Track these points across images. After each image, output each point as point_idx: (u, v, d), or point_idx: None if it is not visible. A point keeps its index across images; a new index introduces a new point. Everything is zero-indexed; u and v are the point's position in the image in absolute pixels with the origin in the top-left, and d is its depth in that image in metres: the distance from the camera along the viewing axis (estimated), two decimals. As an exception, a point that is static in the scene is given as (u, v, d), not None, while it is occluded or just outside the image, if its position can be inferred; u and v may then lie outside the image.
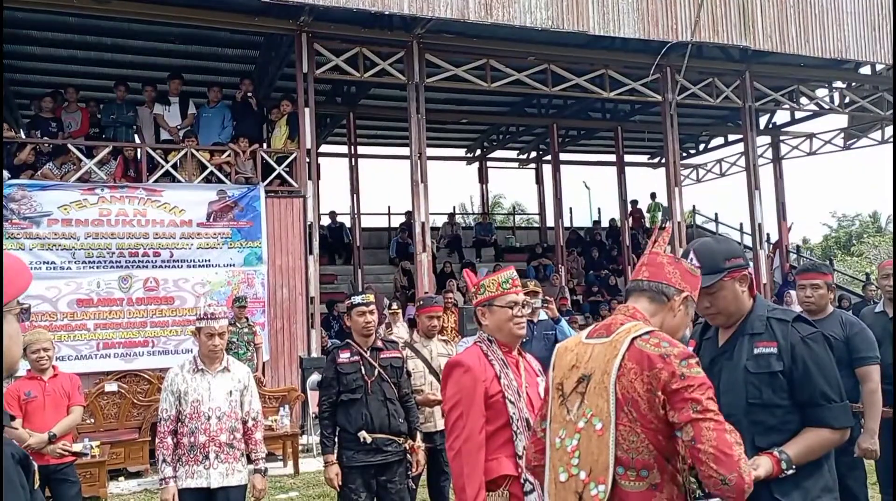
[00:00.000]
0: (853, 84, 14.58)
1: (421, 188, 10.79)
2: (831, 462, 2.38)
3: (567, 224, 18.62)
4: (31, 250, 8.68)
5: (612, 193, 17.44)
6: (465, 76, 11.34)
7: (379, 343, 4.48)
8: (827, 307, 4.35)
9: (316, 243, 10.17)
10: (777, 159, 17.91)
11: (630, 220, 17.56)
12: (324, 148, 16.21)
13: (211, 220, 9.52)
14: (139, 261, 9.17)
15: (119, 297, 9.04)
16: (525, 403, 2.72)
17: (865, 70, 14.43)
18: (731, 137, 18.63)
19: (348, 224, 16.16)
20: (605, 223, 20.08)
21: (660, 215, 18.78)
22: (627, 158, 18.12)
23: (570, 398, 2.14)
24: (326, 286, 13.41)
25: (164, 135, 10.53)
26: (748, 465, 1.91)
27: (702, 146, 20.35)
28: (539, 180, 19.83)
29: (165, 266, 9.27)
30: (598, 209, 22.30)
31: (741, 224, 19.88)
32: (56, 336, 7.77)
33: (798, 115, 16.63)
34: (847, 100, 14.38)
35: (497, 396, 2.69)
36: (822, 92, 14.66)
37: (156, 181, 9.59)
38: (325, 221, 15.74)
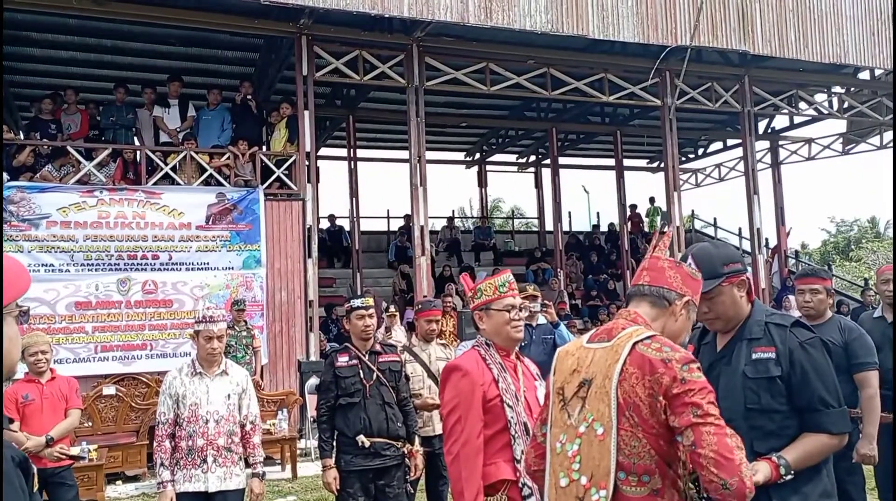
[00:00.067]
0: (852, 89, 14.59)
1: (420, 192, 10.78)
2: (830, 468, 2.38)
3: (566, 228, 18.62)
4: (29, 252, 8.67)
5: (611, 197, 17.45)
6: (464, 79, 11.36)
7: (378, 347, 4.47)
8: (826, 313, 4.34)
9: (315, 247, 10.16)
10: (776, 164, 17.95)
11: (629, 224, 17.52)
12: (323, 151, 16.24)
13: (210, 223, 9.52)
14: (138, 264, 9.16)
15: (117, 300, 9.03)
16: (523, 407, 2.71)
17: (864, 75, 14.48)
18: (730, 142, 18.67)
19: (347, 227, 16.16)
20: (604, 228, 20.06)
21: (659, 219, 18.75)
22: (626, 162, 18.12)
23: (571, 402, 2.13)
24: (325, 290, 13.40)
25: (164, 137, 10.53)
26: (749, 469, 1.90)
27: (701, 151, 20.40)
28: (538, 184, 19.83)
29: (164, 269, 9.26)
30: (597, 214, 22.25)
31: (740, 229, 19.89)
32: (54, 339, 7.76)
33: (797, 119, 16.66)
34: (846, 105, 14.40)
35: (495, 400, 2.68)
36: (821, 97, 14.68)
37: (155, 184, 9.60)
38: (325, 224, 15.72)
